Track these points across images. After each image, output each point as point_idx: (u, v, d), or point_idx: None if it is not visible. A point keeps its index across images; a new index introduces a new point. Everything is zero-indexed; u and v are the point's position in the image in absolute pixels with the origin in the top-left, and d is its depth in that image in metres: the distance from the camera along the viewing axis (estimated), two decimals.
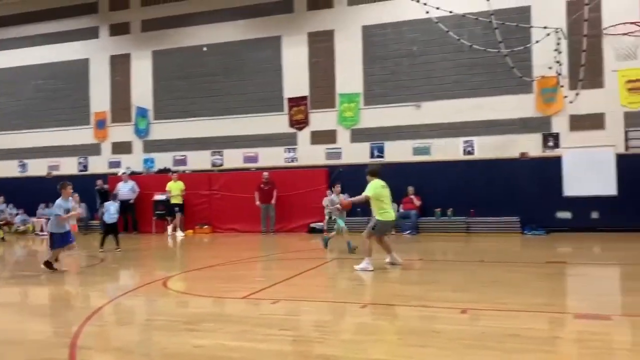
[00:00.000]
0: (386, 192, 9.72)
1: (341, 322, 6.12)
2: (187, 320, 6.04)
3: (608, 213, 14.92)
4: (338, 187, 13.35)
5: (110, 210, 12.88)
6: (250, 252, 13.07)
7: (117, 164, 20.08)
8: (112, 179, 18.93)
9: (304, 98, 18.05)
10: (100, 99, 20.39)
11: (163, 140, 19.58)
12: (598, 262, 10.71)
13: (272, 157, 18.24)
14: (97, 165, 20.31)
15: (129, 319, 6.57)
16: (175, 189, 17.60)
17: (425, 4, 13.35)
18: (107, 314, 6.66)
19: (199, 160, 19.02)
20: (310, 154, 17.87)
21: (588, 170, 15.20)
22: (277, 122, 18.26)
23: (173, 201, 17.53)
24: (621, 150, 14.98)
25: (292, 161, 18.18)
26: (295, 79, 18.06)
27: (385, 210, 9.52)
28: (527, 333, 5.19)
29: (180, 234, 17.24)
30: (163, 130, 19.57)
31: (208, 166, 18.94)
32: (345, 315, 6.38)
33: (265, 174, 17.21)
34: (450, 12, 13.76)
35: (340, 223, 12.32)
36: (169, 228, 17.57)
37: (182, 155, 19.41)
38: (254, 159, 18.59)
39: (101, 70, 20.40)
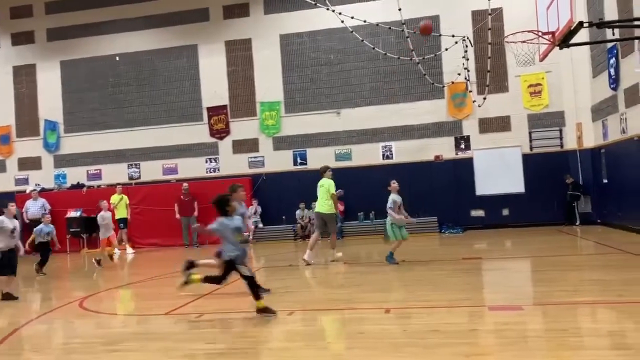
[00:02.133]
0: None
1: (269, 330, 6.08)
2: (107, 341, 5.76)
3: (517, 209, 15.91)
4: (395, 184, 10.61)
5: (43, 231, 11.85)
6: (172, 266, 12.67)
7: (24, 181, 18.84)
8: (19, 197, 17.70)
9: (223, 107, 17.85)
10: (2, 112, 19.07)
11: (75, 154, 18.62)
12: (510, 256, 11.38)
13: (192, 167, 17.87)
14: (2, 183, 18.95)
15: (43, 345, 6.17)
16: (119, 202, 16.43)
17: (340, 14, 13.65)
18: (17, 340, 6.21)
19: (114, 174, 18.25)
20: (232, 164, 17.68)
21: (497, 170, 16.14)
22: (197, 132, 17.92)
23: (118, 216, 16.07)
24: (526, 150, 16.05)
25: (214, 171, 17.90)
26: (214, 87, 17.83)
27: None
28: (447, 328, 5.42)
29: (130, 250, 16.22)
30: (75, 143, 18.61)
31: (125, 179, 18.22)
32: (273, 324, 6.35)
33: (185, 185, 16.81)
34: (365, 21, 14.16)
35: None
36: (118, 243, 15.89)
37: (97, 169, 18.55)
38: (173, 170, 18.12)
39: (3, 81, 19.10)
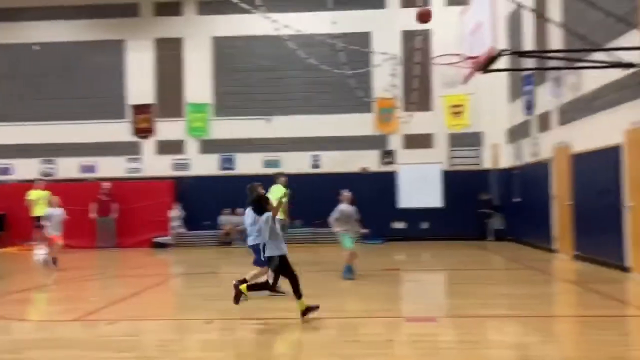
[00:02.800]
0: None
1: (185, 340, 5.93)
2: (8, 349, 5.38)
3: (436, 223, 16.54)
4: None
5: None
6: (86, 269, 12.07)
7: None
8: None
9: (149, 106, 17.28)
10: None
11: None
12: (427, 268, 11.80)
13: (112, 167, 17.12)
14: None
15: None
16: (39, 198, 14.34)
17: (275, 21, 13.67)
18: None
19: (26, 169, 17.12)
20: (155, 165, 17.13)
21: (419, 185, 16.72)
22: (119, 130, 17.22)
23: (36, 213, 14.05)
24: (446, 167, 16.76)
25: (135, 172, 17.25)
26: (141, 85, 17.23)
27: None
28: (365, 338, 5.52)
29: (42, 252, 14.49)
30: None
31: (37, 175, 17.12)
32: (189, 333, 6.19)
33: (106, 184, 16.09)
34: (299, 31, 14.26)
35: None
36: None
37: (6, 164, 17.34)
38: (91, 168, 17.29)
39: None
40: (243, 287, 6.62)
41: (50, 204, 12.05)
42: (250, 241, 8.02)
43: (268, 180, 16.45)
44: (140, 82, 17.26)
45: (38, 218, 13.97)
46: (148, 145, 17.31)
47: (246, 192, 8.15)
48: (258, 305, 7.44)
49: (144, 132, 17.31)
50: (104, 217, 15.95)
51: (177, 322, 6.72)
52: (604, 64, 8.66)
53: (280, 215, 10.96)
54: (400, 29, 16.74)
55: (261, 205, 6.63)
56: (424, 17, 8.75)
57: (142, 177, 17.03)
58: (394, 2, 17.04)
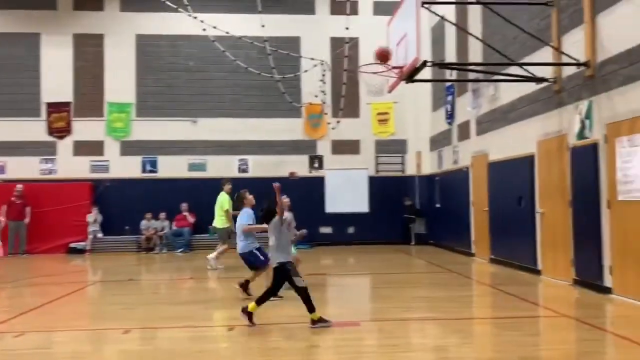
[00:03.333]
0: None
1: (100, 351, 5.62)
2: None
3: (362, 228, 16.82)
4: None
5: None
6: None
7: None
8: None
9: (66, 104, 16.38)
10: None
11: None
12: (352, 272, 11.95)
13: (24, 167, 16.04)
14: None
15: None
16: None
17: (202, 22, 13.39)
18: None
19: None
20: (72, 166, 16.23)
21: (346, 190, 16.95)
22: (32, 129, 16.19)
23: None
24: (372, 173, 17.11)
25: (50, 173, 16.28)
26: (57, 82, 16.30)
27: None
28: (287, 345, 5.48)
29: None
30: None
31: None
32: (105, 343, 5.89)
33: (19, 186, 15.04)
34: (227, 32, 14.05)
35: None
36: None
37: None
38: (1, 169, 16.12)
39: None
40: (251, 306, 6.17)
41: None
42: (243, 248, 8.08)
43: (192, 184, 16.23)
44: (57, 78, 16.33)
45: None
46: (64, 146, 16.39)
47: (235, 199, 8.56)
48: (180, 313, 7.21)
49: (60, 131, 16.38)
50: (15, 221, 14.92)
51: (93, 332, 6.37)
52: (518, 78, 9.16)
53: (226, 223, 11.08)
54: (329, 35, 16.93)
55: (273, 214, 6.50)
56: (383, 57, 8.80)
57: (56, 179, 16.09)
58: (323, 8, 17.21)
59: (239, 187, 15.98)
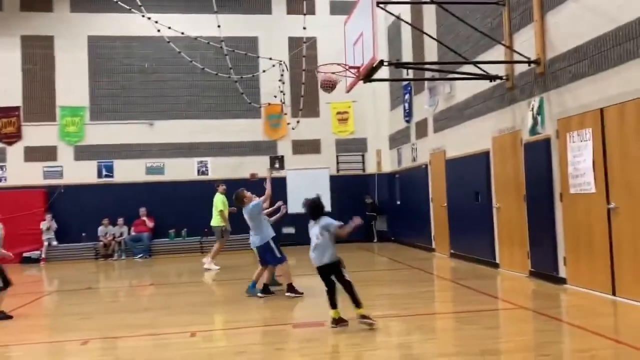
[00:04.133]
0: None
1: None
2: None
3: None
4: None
5: None
6: None
7: None
8: None
9: (15, 109, 15.78)
10: None
11: None
12: (314, 272, 11.93)
13: None
14: None
15: None
16: None
17: (156, 22, 13.11)
18: None
19: None
20: (23, 173, 15.68)
21: (308, 190, 16.85)
22: None
23: None
24: (334, 172, 17.17)
25: (0, 181, 15.65)
26: (5, 86, 15.69)
27: None
28: (253, 349, 5.43)
29: None
30: None
31: None
32: (63, 356, 5.70)
33: None
34: (182, 33, 13.80)
35: None
36: None
37: None
38: None
39: None
40: (333, 313, 6.01)
41: None
42: (258, 241, 8.17)
43: (150, 188, 15.92)
44: (4, 82, 15.73)
45: None
46: (14, 151, 15.79)
47: (234, 198, 8.56)
48: (141, 321, 7.05)
49: (9, 137, 15.77)
50: None
51: (50, 345, 6.16)
52: (472, 76, 9.37)
53: (221, 222, 11.36)
54: (287, 35, 16.90)
55: (320, 210, 6.37)
56: (328, 86, 8.84)
57: (7, 186, 15.49)
58: (280, 8, 17.17)
59: (199, 190, 15.89)
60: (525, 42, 8.56)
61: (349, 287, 6.06)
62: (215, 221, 12.43)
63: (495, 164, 9.93)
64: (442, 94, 12.28)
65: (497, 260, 9.92)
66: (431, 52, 12.58)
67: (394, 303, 7.64)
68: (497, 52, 9.40)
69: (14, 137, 15.85)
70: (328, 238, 6.23)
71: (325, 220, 6.32)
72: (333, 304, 6.07)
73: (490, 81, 9.35)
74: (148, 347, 5.80)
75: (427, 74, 12.25)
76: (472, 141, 10.75)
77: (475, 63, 9.24)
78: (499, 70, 9.20)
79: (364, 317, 5.96)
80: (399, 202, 16.04)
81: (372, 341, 5.68)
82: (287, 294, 8.09)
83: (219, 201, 12.36)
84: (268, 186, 8.44)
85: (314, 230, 6.30)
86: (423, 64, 12.44)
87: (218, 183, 12.97)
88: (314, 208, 6.39)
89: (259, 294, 8.10)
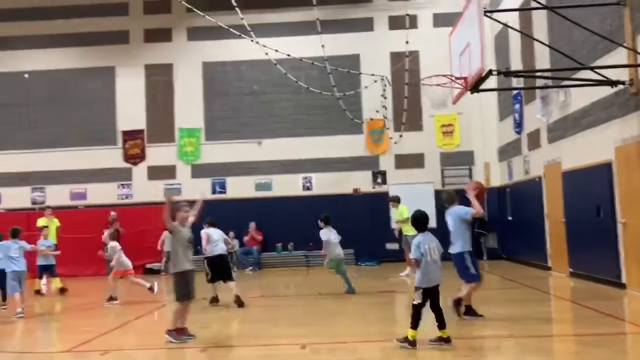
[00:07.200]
0: None
1: None
2: None
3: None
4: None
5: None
6: (77, 298, 11.85)
7: None
8: None
9: (140, 132, 17.26)
10: None
11: None
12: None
13: (103, 193, 16.99)
14: None
15: None
16: (50, 227, 13.81)
17: (264, 46, 13.76)
18: None
19: (16, 198, 16.96)
20: (147, 190, 17.00)
21: (411, 205, 16.61)
22: (110, 156, 17.14)
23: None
24: (438, 186, 16.74)
25: (127, 198, 17.13)
26: (131, 111, 17.23)
27: None
28: None
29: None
30: None
31: (27, 204, 16.98)
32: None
33: (113, 213, 15.57)
34: (288, 55, 14.35)
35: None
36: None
37: None
38: (82, 195, 17.14)
39: None
40: (411, 334, 5.85)
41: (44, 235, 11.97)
42: (455, 249, 7.58)
43: (259, 204, 16.55)
44: (131, 108, 17.26)
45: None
46: (139, 171, 17.23)
47: (446, 199, 8.08)
48: (251, 331, 7.30)
49: (134, 158, 17.24)
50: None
51: (170, 351, 6.57)
52: (591, 82, 8.76)
53: (411, 231, 11.11)
54: (388, 50, 16.93)
55: (425, 222, 6.45)
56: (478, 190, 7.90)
57: (133, 202, 16.90)
58: (382, 24, 17.25)
59: (304, 205, 16.24)
60: None
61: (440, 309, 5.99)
62: (410, 231, 11.78)
63: (620, 175, 9.15)
64: (556, 103, 11.59)
65: (624, 281, 9.08)
66: (542, 59, 11.96)
67: (509, 324, 7.24)
68: (618, 56, 8.71)
69: (139, 157, 17.30)
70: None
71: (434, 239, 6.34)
72: (441, 324, 5.93)
73: (612, 87, 8.68)
74: (258, 357, 6.00)
75: (539, 82, 11.64)
76: (591, 152, 10.01)
77: (593, 68, 8.64)
78: (621, 74, 8.52)
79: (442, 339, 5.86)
80: (510, 218, 15.28)
81: None
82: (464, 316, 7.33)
83: (405, 210, 12.62)
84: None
85: (433, 245, 6.25)
86: (535, 71, 11.86)
87: (394, 197, 13.49)
88: (420, 220, 6.38)
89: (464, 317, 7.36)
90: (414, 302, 5.95)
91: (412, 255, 6.21)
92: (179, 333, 6.68)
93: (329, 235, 10.46)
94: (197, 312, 9.20)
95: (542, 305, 8.67)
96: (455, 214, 7.54)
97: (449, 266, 6.91)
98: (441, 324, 5.90)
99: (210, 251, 9.66)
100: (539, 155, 12.90)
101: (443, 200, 7.98)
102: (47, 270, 11.96)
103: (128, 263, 10.88)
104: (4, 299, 10.18)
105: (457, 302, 7.26)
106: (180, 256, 6.85)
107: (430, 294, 6.00)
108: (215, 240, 9.68)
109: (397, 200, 13.28)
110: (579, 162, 10.55)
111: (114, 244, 11.04)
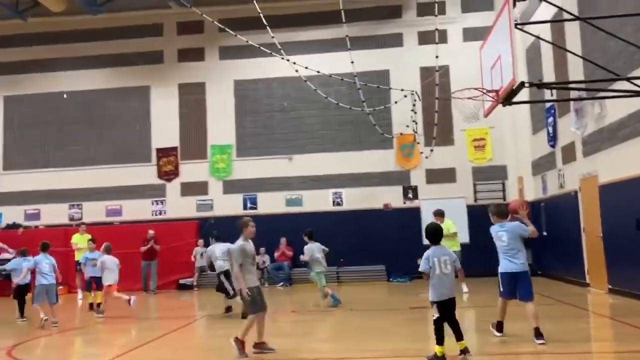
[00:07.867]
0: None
1: None
2: None
3: (461, 260, 16.15)
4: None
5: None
6: (117, 311, 12.04)
7: None
8: None
9: (173, 149, 17.62)
10: None
11: (12, 192, 17.74)
12: (457, 306, 11.45)
13: (138, 209, 17.35)
14: None
15: None
16: (82, 243, 14.59)
17: (294, 63, 13.93)
18: None
19: (54, 214, 17.48)
20: (180, 206, 17.30)
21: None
22: (144, 173, 17.53)
23: (78, 257, 14.25)
24: (471, 201, 16.52)
25: (161, 214, 17.45)
26: (165, 129, 17.63)
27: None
28: None
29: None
30: (12, 181, 17.76)
31: (65, 220, 17.47)
32: None
33: (151, 232, 15.91)
34: (318, 72, 14.48)
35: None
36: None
37: (35, 209, 17.72)
38: (117, 212, 17.54)
39: None
40: (438, 350, 5.97)
41: (91, 248, 12.39)
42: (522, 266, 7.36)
43: (291, 219, 16.61)
44: (164, 126, 17.67)
45: (79, 262, 14.04)
46: (172, 187, 17.55)
47: (497, 212, 7.73)
48: (284, 345, 7.29)
49: (168, 174, 17.59)
50: (149, 261, 15.84)
51: None
52: (627, 94, 8.57)
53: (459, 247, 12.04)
54: (418, 65, 16.93)
55: (440, 236, 6.39)
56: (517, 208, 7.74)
57: (166, 218, 17.20)
58: (411, 40, 17.29)
59: (335, 220, 16.21)
60: None
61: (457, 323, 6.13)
62: (457, 246, 12.28)
63: None
64: (591, 115, 11.36)
65: None
66: (576, 71, 11.76)
67: (548, 341, 7.05)
68: None
69: (173, 174, 17.64)
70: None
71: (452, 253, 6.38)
72: (458, 336, 6.05)
73: None
74: None
75: (573, 94, 11.44)
76: (630, 164, 9.75)
77: (629, 79, 8.45)
78: None
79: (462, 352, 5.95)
80: (545, 233, 14.92)
81: None
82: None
83: (452, 224, 12.39)
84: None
85: (444, 258, 6.21)
86: (568, 82, 11.65)
87: (439, 211, 12.72)
88: (433, 233, 6.36)
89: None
90: (434, 317, 6.02)
91: (420, 268, 6.27)
92: (257, 347, 6.86)
93: (312, 250, 11.35)
94: (228, 327, 9.26)
95: (580, 322, 8.42)
96: (514, 230, 7.21)
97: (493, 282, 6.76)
98: (458, 336, 5.97)
99: (220, 266, 10.49)
100: (574, 169, 12.63)
101: (493, 213, 7.59)
102: (96, 282, 12.10)
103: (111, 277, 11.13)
104: (22, 313, 10.62)
105: (537, 331, 6.75)
106: (249, 270, 7.10)
107: (446, 307, 6.03)
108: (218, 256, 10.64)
109: (441, 214, 12.71)
110: (617, 175, 10.28)
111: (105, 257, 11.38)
